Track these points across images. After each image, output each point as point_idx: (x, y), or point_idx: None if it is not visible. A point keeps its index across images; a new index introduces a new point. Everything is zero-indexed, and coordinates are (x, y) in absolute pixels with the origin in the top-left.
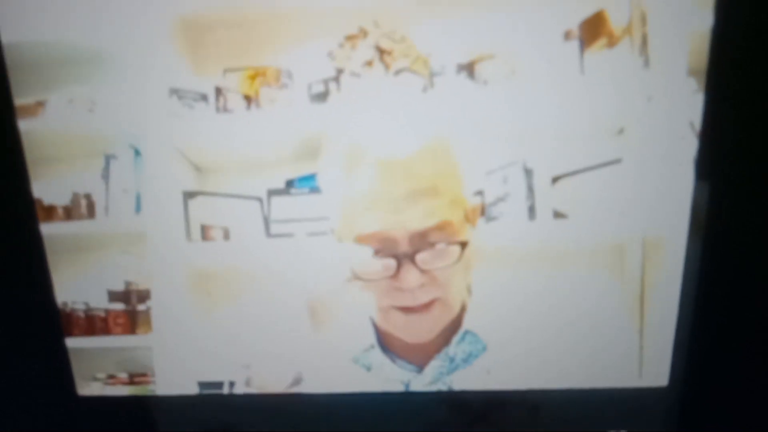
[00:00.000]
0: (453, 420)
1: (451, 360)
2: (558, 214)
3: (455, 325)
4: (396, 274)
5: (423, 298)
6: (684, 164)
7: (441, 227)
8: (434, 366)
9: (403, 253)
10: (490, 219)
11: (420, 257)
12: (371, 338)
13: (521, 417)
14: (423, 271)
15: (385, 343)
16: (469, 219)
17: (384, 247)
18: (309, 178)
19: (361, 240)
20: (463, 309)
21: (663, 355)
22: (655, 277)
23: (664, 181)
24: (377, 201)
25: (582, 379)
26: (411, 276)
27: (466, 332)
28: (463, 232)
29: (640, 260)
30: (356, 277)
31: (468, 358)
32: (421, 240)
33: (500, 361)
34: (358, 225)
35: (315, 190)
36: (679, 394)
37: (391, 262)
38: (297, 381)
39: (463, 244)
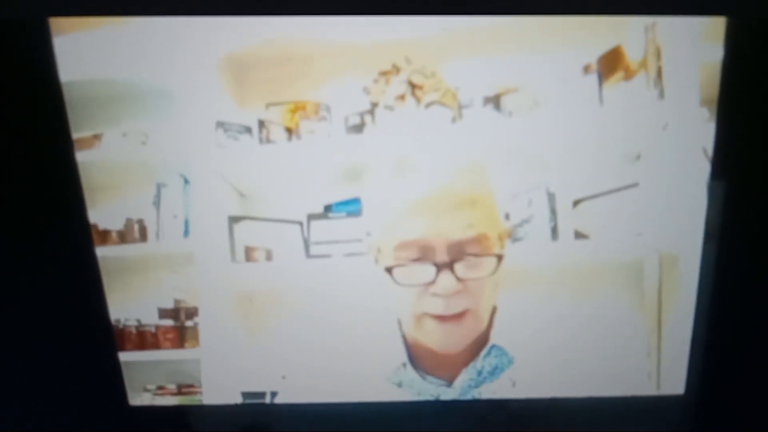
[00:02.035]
0: (479, 427)
1: (479, 373)
2: (579, 235)
3: (483, 339)
4: (434, 280)
5: (456, 307)
6: (698, 187)
7: (478, 240)
8: (463, 379)
9: (441, 261)
10: (516, 240)
11: (458, 266)
12: (403, 357)
13: (545, 425)
14: (459, 280)
15: (416, 361)
16: (501, 239)
17: (423, 255)
18: (346, 203)
19: (401, 247)
20: (490, 324)
21: (680, 365)
22: (671, 292)
23: (679, 202)
24: (418, 210)
25: (603, 388)
26: (448, 283)
27: (493, 346)
28: (498, 247)
29: (657, 276)
30: (397, 283)
31: (495, 371)
32: (459, 250)
33: (526, 373)
34: (398, 233)
35: (352, 213)
36: (695, 402)
37: (431, 268)
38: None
39: (500, 257)
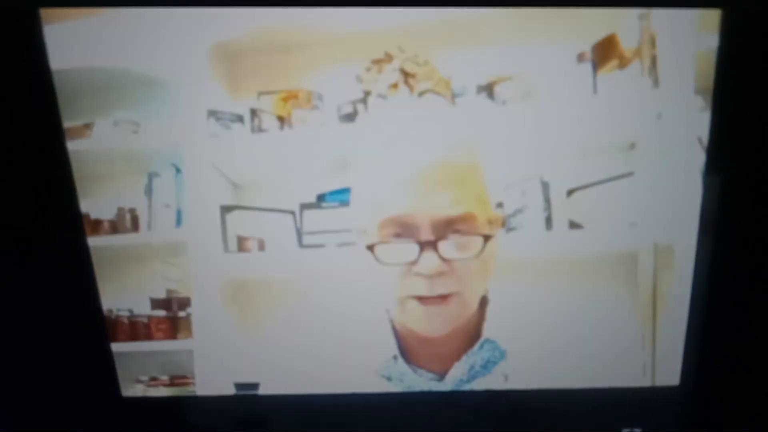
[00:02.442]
0: (474, 420)
1: (471, 367)
2: (573, 225)
3: (475, 332)
4: (417, 259)
5: (441, 289)
6: (692, 176)
7: (465, 218)
8: (454, 374)
9: (425, 239)
10: (509, 229)
11: (442, 245)
12: (393, 350)
13: (539, 417)
14: (444, 260)
15: (407, 354)
16: (491, 223)
17: (406, 231)
18: (339, 192)
19: (385, 225)
20: (481, 317)
21: (674, 356)
22: (666, 283)
23: (674, 192)
24: (403, 186)
25: (597, 379)
26: (431, 262)
27: (486, 340)
28: (486, 229)
29: (652, 266)
30: (378, 261)
31: (487, 365)
32: (444, 227)
33: (518, 367)
34: (382, 211)
35: (344, 203)
36: (690, 393)
37: (414, 247)
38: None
39: (487, 237)
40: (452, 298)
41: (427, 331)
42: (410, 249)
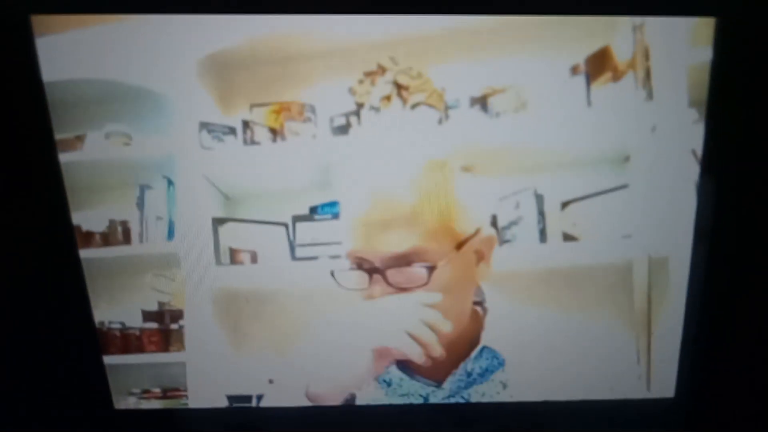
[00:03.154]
0: (469, 431)
1: (469, 375)
2: (568, 237)
3: (474, 340)
4: (368, 287)
5: None
6: (687, 188)
7: (414, 253)
8: (452, 381)
9: (375, 268)
10: (503, 242)
11: (390, 273)
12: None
13: (535, 428)
14: (392, 287)
15: (405, 362)
16: (459, 248)
17: (362, 261)
18: (331, 205)
19: (348, 255)
20: (479, 325)
21: (670, 368)
22: (661, 294)
23: (669, 204)
24: (363, 223)
25: (593, 391)
26: (378, 290)
27: (483, 348)
28: (440, 257)
29: (647, 278)
30: (339, 285)
31: (485, 373)
32: (396, 261)
33: (516, 376)
34: (350, 240)
35: (337, 215)
36: (685, 405)
37: (364, 276)
38: (318, 397)
39: (431, 268)
40: None
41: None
42: (362, 276)
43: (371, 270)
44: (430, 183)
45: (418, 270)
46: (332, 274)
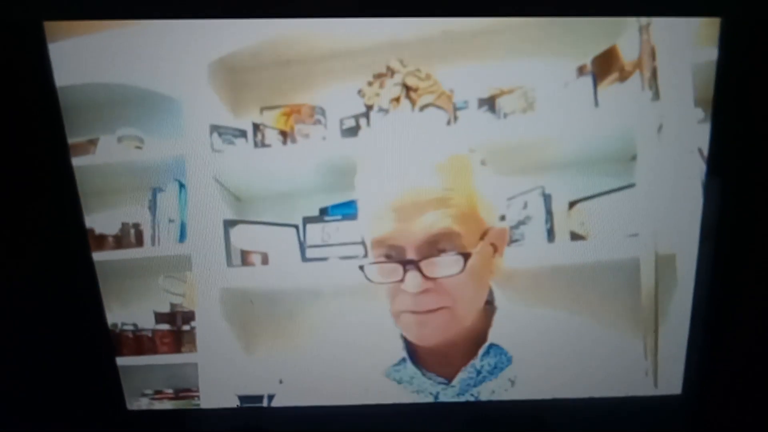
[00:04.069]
0: (478, 429)
1: (478, 372)
2: (576, 236)
3: (481, 337)
4: (402, 279)
5: (429, 304)
6: (693, 187)
7: (446, 236)
8: (462, 378)
9: (409, 259)
10: (512, 241)
11: (424, 264)
12: (402, 352)
13: (542, 427)
14: (428, 278)
15: (416, 356)
16: (484, 238)
17: (392, 252)
18: (341, 206)
19: (375, 245)
20: (487, 323)
21: (677, 365)
22: (668, 292)
23: (675, 202)
24: (392, 208)
25: (600, 388)
26: (414, 281)
27: (491, 345)
28: (472, 246)
29: (654, 277)
30: (368, 280)
31: (494, 370)
32: (428, 248)
33: (524, 373)
34: (375, 231)
35: (347, 216)
36: (692, 401)
37: (398, 267)
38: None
39: (466, 256)
40: (442, 311)
41: (420, 340)
42: (395, 269)
43: (405, 262)
44: (453, 170)
45: (455, 258)
46: (362, 268)
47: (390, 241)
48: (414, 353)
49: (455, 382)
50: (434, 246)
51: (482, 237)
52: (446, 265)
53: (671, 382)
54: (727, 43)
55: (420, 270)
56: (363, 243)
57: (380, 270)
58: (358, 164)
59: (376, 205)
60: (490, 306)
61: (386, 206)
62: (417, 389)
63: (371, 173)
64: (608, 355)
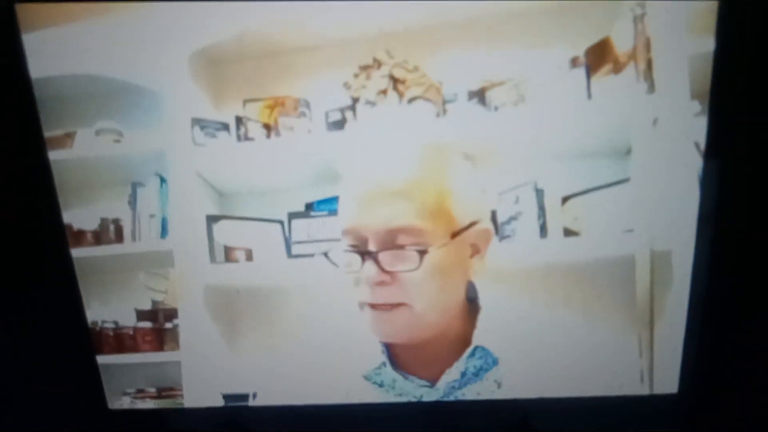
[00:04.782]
0: (468, 429)
1: (463, 374)
2: (569, 232)
3: (464, 340)
4: (359, 269)
5: (386, 298)
6: (689, 181)
7: (407, 230)
8: (446, 381)
9: (368, 250)
10: (502, 237)
11: (382, 256)
12: (381, 356)
13: (534, 427)
14: (384, 271)
15: (396, 361)
16: (453, 237)
17: (358, 242)
18: (328, 201)
19: (344, 234)
20: (470, 325)
21: (673, 363)
22: (663, 289)
23: (671, 197)
24: (361, 200)
25: (594, 387)
26: (370, 271)
27: (476, 348)
28: (436, 243)
29: (649, 273)
30: (333, 264)
31: (479, 372)
32: (388, 241)
33: (511, 374)
34: (345, 221)
35: (333, 212)
36: (689, 401)
37: (357, 257)
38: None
39: (422, 252)
40: (400, 309)
41: (382, 337)
42: (354, 258)
43: (364, 253)
44: (428, 163)
45: (410, 253)
46: (326, 254)
47: (355, 231)
48: (395, 357)
49: (439, 385)
50: (394, 239)
51: (453, 236)
52: (402, 260)
53: (667, 381)
54: (724, 32)
55: (377, 261)
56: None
57: (344, 258)
58: (341, 158)
59: (351, 196)
60: (472, 305)
61: (358, 197)
62: (399, 393)
63: (354, 167)
64: (602, 354)
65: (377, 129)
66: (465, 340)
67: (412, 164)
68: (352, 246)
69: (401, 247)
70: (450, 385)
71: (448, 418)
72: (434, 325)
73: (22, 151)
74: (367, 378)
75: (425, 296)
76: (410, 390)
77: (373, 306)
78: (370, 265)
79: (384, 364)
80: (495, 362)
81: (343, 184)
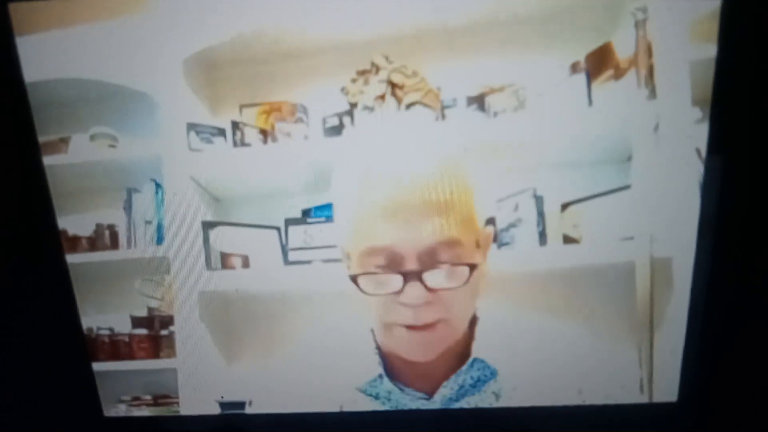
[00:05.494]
0: None
1: (460, 386)
2: (568, 239)
3: (464, 352)
4: (401, 290)
5: (427, 317)
6: (691, 188)
7: (450, 245)
8: (443, 393)
9: (409, 270)
10: (501, 245)
11: (427, 275)
12: (378, 368)
13: None
14: (429, 290)
15: (393, 373)
16: (480, 246)
17: (391, 262)
18: (325, 207)
19: (369, 254)
20: (470, 336)
21: (673, 372)
22: (663, 297)
23: (672, 204)
24: (387, 215)
25: (593, 396)
26: (416, 293)
27: (475, 360)
28: (473, 255)
29: (649, 281)
30: (362, 291)
31: (477, 384)
32: (430, 258)
33: (510, 385)
34: (366, 239)
35: (330, 218)
36: (689, 410)
37: (397, 278)
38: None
39: (472, 267)
40: (439, 325)
41: (415, 356)
42: (394, 280)
43: (407, 273)
44: (451, 174)
45: (459, 269)
46: (354, 279)
47: (385, 250)
48: (391, 369)
49: (436, 397)
50: (435, 255)
51: (478, 245)
52: (451, 277)
53: (667, 389)
54: (725, 40)
55: (422, 281)
56: (342, 249)
57: (375, 281)
58: (341, 163)
59: (361, 210)
60: (473, 317)
61: (376, 212)
62: (395, 405)
63: (355, 175)
64: (602, 363)
65: (375, 135)
66: (464, 351)
67: (435, 174)
68: (382, 266)
69: (443, 263)
70: (447, 397)
71: (446, 427)
72: (459, 337)
73: (16, 157)
74: (361, 391)
75: (462, 310)
76: (406, 402)
77: (411, 327)
78: (414, 287)
79: (381, 376)
80: (493, 374)
81: (349, 196)
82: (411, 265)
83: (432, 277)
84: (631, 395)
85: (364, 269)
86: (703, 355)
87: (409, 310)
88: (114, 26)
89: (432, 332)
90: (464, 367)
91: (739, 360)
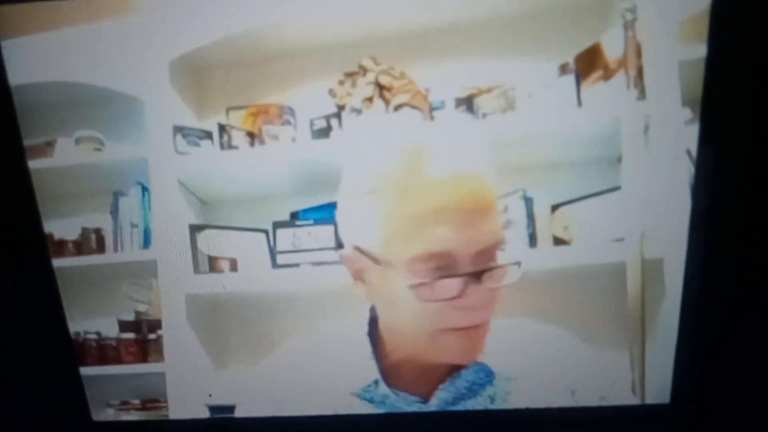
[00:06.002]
0: None
1: (457, 389)
2: (558, 241)
3: None
4: (461, 293)
5: (476, 318)
6: (681, 189)
7: (499, 244)
8: (439, 397)
9: (466, 272)
10: None
11: (486, 276)
12: (374, 374)
13: None
14: (487, 291)
15: (389, 377)
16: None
17: (445, 266)
18: (313, 210)
19: (419, 260)
20: None
21: (665, 373)
22: (655, 298)
23: (663, 205)
24: (439, 219)
25: (585, 398)
26: (476, 295)
27: (475, 362)
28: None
29: (641, 282)
30: (420, 299)
31: (472, 388)
32: (484, 258)
33: (504, 388)
34: (417, 246)
35: (319, 221)
36: (681, 411)
37: (456, 282)
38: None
39: (518, 263)
40: (483, 326)
41: (453, 359)
42: (452, 284)
43: (467, 275)
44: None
45: (512, 267)
46: (412, 288)
47: (444, 255)
48: (387, 373)
49: (432, 401)
50: (487, 257)
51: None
52: (506, 275)
53: (659, 391)
54: (715, 40)
55: (481, 283)
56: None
57: (432, 288)
58: (329, 166)
59: (403, 215)
60: None
61: (425, 216)
62: (390, 410)
63: (346, 173)
64: (593, 364)
65: (362, 136)
66: None
67: (473, 177)
68: (436, 271)
69: (491, 262)
70: (443, 400)
71: (440, 429)
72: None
73: (1, 160)
74: (357, 395)
75: (496, 308)
76: (401, 407)
77: (460, 329)
78: (476, 288)
79: (377, 381)
80: (490, 376)
81: (397, 202)
82: (466, 267)
83: (490, 278)
84: (623, 397)
85: (416, 276)
86: (695, 357)
87: (463, 313)
88: (99, 29)
89: (473, 332)
90: (463, 371)
91: (732, 361)
